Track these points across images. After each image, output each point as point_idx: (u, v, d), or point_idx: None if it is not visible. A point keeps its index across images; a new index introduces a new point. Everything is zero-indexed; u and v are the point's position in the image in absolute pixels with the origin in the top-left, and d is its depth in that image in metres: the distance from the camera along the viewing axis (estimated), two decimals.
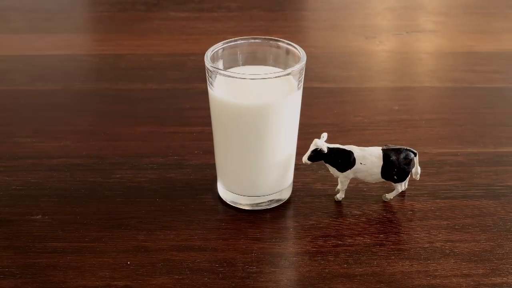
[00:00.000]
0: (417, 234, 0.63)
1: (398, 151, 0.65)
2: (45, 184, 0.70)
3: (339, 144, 0.66)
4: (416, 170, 0.66)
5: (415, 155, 0.65)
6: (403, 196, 0.68)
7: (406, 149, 0.65)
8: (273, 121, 0.62)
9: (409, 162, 0.65)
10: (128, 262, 0.60)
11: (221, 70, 0.63)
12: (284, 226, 0.65)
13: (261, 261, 0.60)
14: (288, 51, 0.65)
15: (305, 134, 0.75)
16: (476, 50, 1.03)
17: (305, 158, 0.65)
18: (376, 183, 0.68)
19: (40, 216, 0.65)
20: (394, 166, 0.64)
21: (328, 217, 0.65)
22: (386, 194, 0.67)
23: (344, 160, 0.65)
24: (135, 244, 0.62)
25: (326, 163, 0.66)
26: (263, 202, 0.66)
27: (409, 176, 0.66)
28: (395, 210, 0.66)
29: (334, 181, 0.70)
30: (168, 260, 0.60)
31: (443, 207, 0.66)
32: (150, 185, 0.70)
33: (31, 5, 1.22)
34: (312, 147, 0.64)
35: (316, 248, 0.61)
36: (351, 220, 0.65)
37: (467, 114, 0.84)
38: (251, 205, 0.66)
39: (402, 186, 0.67)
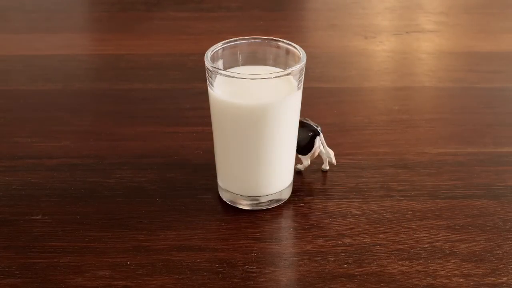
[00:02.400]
0: (417, 234, 0.63)
1: (303, 124, 0.67)
2: (45, 184, 0.70)
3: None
4: (328, 153, 0.68)
5: (318, 134, 0.66)
6: (403, 196, 0.68)
7: (311, 126, 0.67)
8: (273, 121, 0.62)
9: (306, 138, 0.66)
10: (128, 262, 0.60)
11: (221, 70, 0.63)
12: (284, 226, 0.65)
13: (261, 261, 0.60)
14: (288, 51, 0.65)
15: None
16: (476, 50, 1.03)
17: None
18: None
19: (40, 216, 0.65)
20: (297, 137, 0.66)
21: (328, 217, 0.65)
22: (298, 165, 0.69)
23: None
24: (135, 244, 0.62)
25: None
26: (263, 202, 0.66)
27: (316, 154, 0.67)
28: (395, 210, 0.66)
29: (334, 181, 0.70)
30: (168, 260, 0.60)
31: (443, 207, 0.66)
32: (150, 185, 0.70)
33: (31, 5, 1.22)
34: None
35: (316, 248, 0.61)
36: (351, 220, 0.65)
37: (467, 114, 0.84)
38: (251, 205, 0.66)
39: (305, 161, 0.68)
